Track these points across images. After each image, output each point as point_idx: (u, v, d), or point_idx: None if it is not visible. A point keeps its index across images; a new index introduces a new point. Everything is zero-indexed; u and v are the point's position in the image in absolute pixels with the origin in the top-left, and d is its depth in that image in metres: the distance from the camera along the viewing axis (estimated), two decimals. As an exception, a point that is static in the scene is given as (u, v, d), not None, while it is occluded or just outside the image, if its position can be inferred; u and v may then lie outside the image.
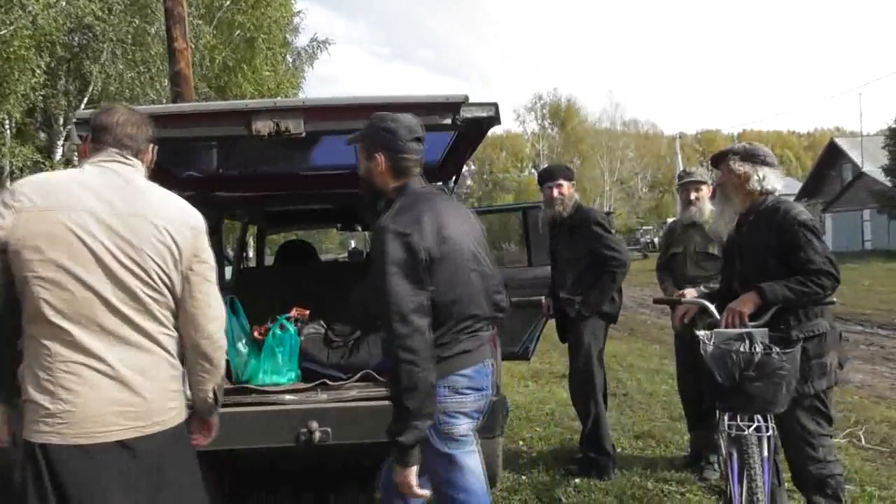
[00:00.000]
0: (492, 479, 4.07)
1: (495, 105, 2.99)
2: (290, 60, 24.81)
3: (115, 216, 2.00)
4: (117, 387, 1.97)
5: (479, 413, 2.41)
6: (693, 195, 4.26)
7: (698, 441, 4.14)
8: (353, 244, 37.79)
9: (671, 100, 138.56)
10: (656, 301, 4.01)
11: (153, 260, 2.01)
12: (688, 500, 3.94)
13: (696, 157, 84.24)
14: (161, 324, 2.05)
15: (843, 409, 5.52)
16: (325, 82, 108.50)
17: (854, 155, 38.46)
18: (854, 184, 37.50)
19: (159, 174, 3.80)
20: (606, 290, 4.30)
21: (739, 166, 3.12)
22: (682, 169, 4.51)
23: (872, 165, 34.94)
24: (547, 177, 4.49)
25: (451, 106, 2.90)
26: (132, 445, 1.99)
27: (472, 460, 2.38)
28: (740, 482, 2.85)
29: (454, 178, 4.09)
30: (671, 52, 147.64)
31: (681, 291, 4.06)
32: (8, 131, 15.84)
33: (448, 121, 2.91)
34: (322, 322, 4.24)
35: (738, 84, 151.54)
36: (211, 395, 2.24)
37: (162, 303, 2.04)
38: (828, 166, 41.59)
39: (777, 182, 3.14)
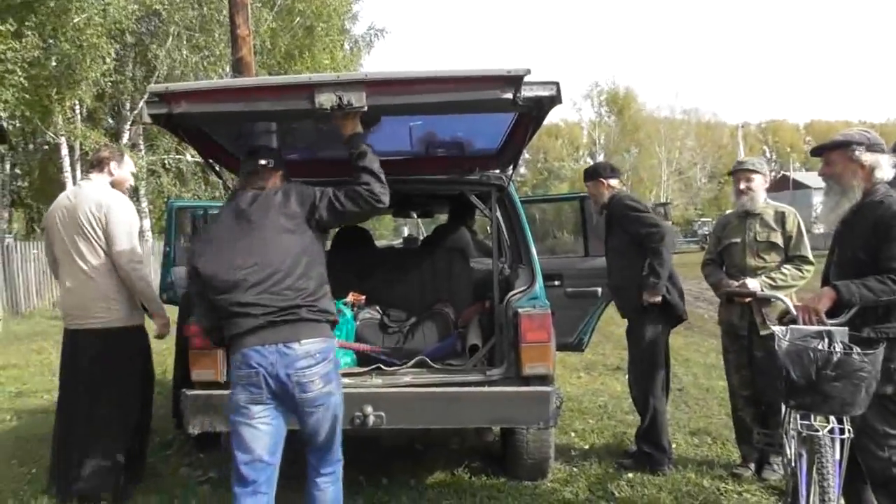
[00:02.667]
0: (543, 470, 4.09)
1: (557, 84, 2.88)
2: (348, 48, 25.03)
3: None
4: (75, 293, 3.90)
5: (255, 388, 2.70)
6: (744, 184, 4.10)
7: (760, 440, 4.01)
8: (406, 231, 38.03)
9: (735, 88, 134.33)
10: (729, 294, 3.89)
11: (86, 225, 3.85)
12: (745, 500, 3.84)
13: (760, 147, 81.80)
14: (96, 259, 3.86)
15: None
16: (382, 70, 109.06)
17: (930, 147, 36.60)
18: (929, 177, 35.72)
19: (225, 159, 3.90)
20: (657, 267, 4.21)
21: (868, 157, 2.96)
22: (737, 160, 4.34)
23: (950, 158, 33.19)
24: (584, 176, 4.68)
25: (513, 80, 2.78)
26: (78, 336, 3.89)
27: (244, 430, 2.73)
28: (808, 484, 2.76)
29: (513, 165, 4.05)
30: (736, 39, 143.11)
31: (742, 281, 3.96)
32: (78, 116, 16.46)
33: (509, 96, 2.81)
34: (378, 307, 4.29)
35: (806, 72, 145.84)
36: (140, 303, 3.99)
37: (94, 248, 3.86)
38: (901, 158, 39.68)
39: (890, 171, 2.98)
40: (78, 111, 16.57)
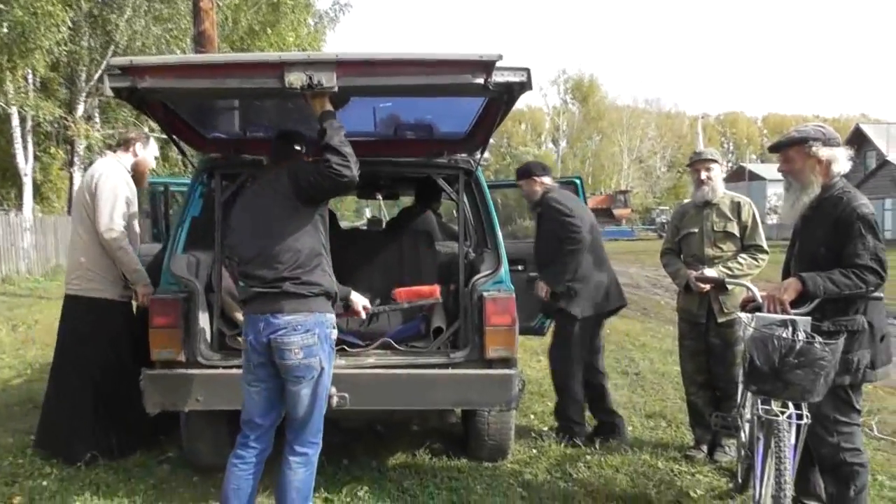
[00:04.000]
0: (504, 452, 4.16)
1: (527, 70, 2.90)
2: (312, 24, 24.57)
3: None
4: (68, 258, 4.36)
5: (251, 353, 3.01)
6: (704, 174, 4.19)
7: (717, 422, 4.13)
8: (368, 212, 37.73)
9: (695, 80, 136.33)
10: (699, 279, 3.98)
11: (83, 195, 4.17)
12: (698, 481, 3.96)
13: (718, 139, 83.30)
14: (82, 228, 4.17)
15: (857, 398, 5.50)
16: (346, 47, 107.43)
17: (879, 142, 37.75)
18: (878, 172, 36.87)
19: (189, 135, 3.83)
20: (560, 268, 4.43)
21: (824, 151, 3.04)
22: (695, 150, 4.45)
23: (898, 154, 34.34)
24: (517, 175, 4.86)
25: (484, 65, 2.80)
26: (65, 300, 4.27)
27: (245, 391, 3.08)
28: (764, 466, 2.86)
29: (481, 149, 4.06)
30: (697, 31, 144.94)
31: (700, 271, 4.06)
32: (31, 86, 15.87)
33: (480, 80, 2.83)
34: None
35: (763, 67, 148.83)
36: (122, 274, 4.15)
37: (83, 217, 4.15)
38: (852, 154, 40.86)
39: (846, 164, 3.08)
40: (31, 81, 15.96)
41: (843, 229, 2.92)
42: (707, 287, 4.03)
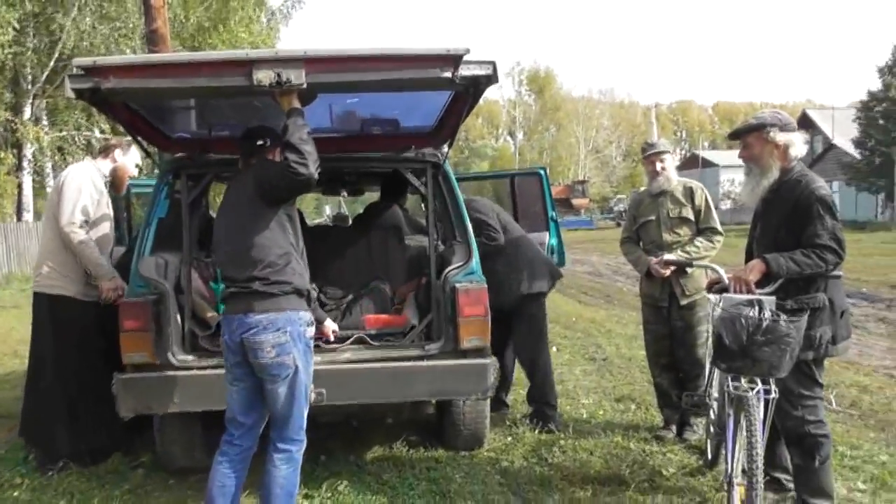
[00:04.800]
0: (480, 440, 4.22)
1: (493, 63, 2.94)
2: (265, 21, 24.22)
3: None
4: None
5: (228, 352, 3.05)
6: (659, 165, 4.32)
7: (686, 401, 4.26)
8: (328, 209, 37.41)
9: (647, 70, 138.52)
10: (667, 263, 4.08)
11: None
12: (669, 459, 4.08)
13: (671, 127, 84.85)
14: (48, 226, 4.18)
15: (815, 373, 5.71)
16: (299, 43, 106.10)
17: (825, 127, 38.98)
18: (824, 156, 38.09)
19: (152, 135, 3.78)
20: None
21: (781, 136, 3.15)
22: (647, 140, 4.57)
23: (843, 138, 35.47)
24: None
25: (452, 59, 2.83)
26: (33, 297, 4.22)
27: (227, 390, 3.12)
28: (735, 440, 2.97)
29: (448, 143, 4.09)
30: (649, 22, 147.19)
31: (660, 256, 4.17)
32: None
33: (447, 74, 2.85)
34: (314, 285, 4.26)
35: (713, 55, 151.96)
36: (86, 273, 4.11)
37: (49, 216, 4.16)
38: (797, 139, 42.04)
39: (803, 147, 3.20)
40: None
41: (802, 211, 3.04)
42: (668, 271, 4.16)
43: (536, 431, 4.54)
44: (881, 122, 31.26)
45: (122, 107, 3.39)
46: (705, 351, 4.14)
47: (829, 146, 37.69)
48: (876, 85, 31.97)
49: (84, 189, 4.12)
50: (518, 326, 4.71)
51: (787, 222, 3.10)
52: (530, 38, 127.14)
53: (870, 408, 4.97)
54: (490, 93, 73.47)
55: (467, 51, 2.84)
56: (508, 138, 74.69)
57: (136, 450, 4.31)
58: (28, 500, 3.70)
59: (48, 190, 19.64)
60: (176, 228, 3.81)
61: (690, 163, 54.53)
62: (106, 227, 4.29)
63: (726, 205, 40.78)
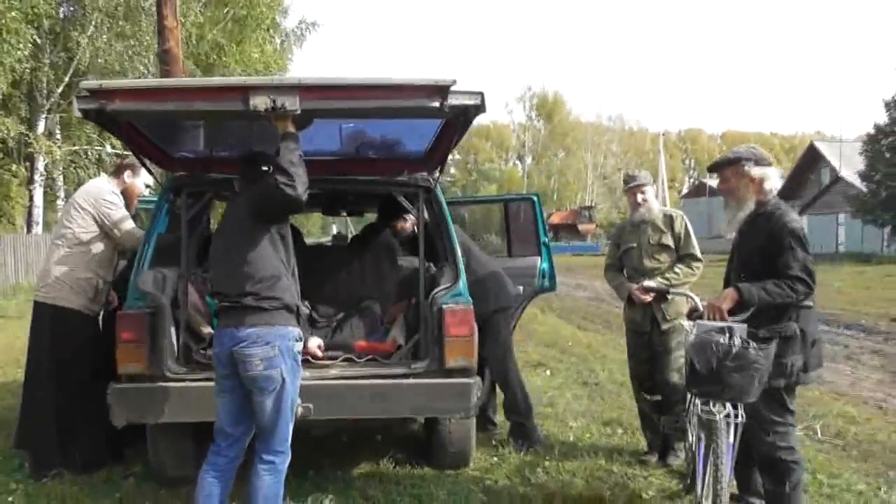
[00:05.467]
0: (465, 459, 4.29)
1: (481, 94, 3.10)
2: (279, 42, 24.67)
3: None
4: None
5: (218, 365, 3.16)
6: (640, 197, 4.44)
7: (667, 423, 4.34)
8: (335, 229, 37.58)
9: (657, 97, 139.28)
10: (646, 289, 4.19)
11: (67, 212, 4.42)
12: (650, 483, 4.14)
13: (679, 155, 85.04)
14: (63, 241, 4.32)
15: (803, 403, 5.74)
16: (313, 65, 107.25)
17: (833, 159, 39.06)
18: (831, 188, 38.13)
19: (155, 154, 3.93)
20: None
21: (756, 171, 3.28)
22: (627, 173, 4.70)
23: (850, 170, 35.52)
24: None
25: (440, 89, 2.99)
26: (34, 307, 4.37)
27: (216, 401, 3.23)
28: (705, 464, 3.05)
29: (439, 168, 4.23)
30: (660, 49, 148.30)
31: (640, 283, 4.29)
32: (-9, 102, 15.65)
33: (436, 104, 3.01)
34: (307, 303, 4.38)
35: (723, 84, 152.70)
36: (91, 289, 4.30)
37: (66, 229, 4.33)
38: (807, 170, 42.19)
39: (777, 181, 3.33)
40: (-10, 98, 15.75)
41: (775, 242, 3.15)
42: (648, 297, 4.27)
43: (522, 454, 4.60)
44: (887, 155, 31.31)
45: (128, 126, 3.54)
46: (681, 376, 4.22)
47: (836, 178, 37.71)
48: (883, 118, 32.07)
49: (113, 199, 4.38)
50: (487, 341, 4.79)
51: (761, 253, 3.21)
52: (541, 64, 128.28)
53: (854, 438, 5.01)
54: (501, 117, 74.12)
55: (454, 81, 2.99)
56: (517, 162, 75.15)
57: (127, 460, 4.41)
58: (22, 506, 3.80)
59: (59, 203, 19.94)
60: (175, 244, 3.94)
61: (698, 191, 54.65)
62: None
63: (732, 235, 40.71)
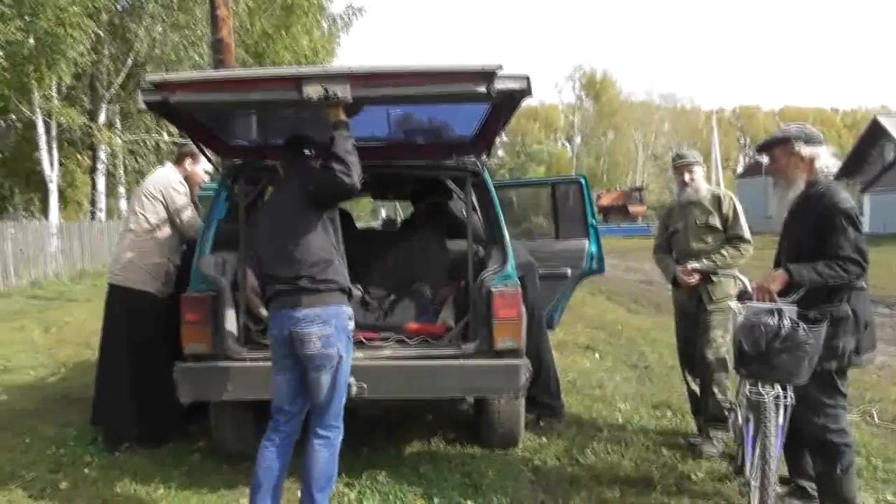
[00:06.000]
0: (514, 439, 4.37)
1: (527, 77, 3.13)
2: (326, 27, 24.88)
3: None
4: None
5: (276, 345, 3.30)
6: (687, 176, 4.36)
7: (708, 410, 4.33)
8: (384, 213, 37.90)
9: (710, 74, 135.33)
10: (693, 270, 4.16)
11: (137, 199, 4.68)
12: (699, 464, 4.15)
13: (734, 133, 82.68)
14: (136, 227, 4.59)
15: (860, 387, 5.65)
16: (359, 50, 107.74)
17: (897, 135, 37.42)
18: (895, 164, 36.58)
19: (213, 142, 4.09)
20: None
21: (807, 150, 3.24)
22: (676, 151, 4.60)
23: (916, 146, 34.01)
24: None
25: (486, 75, 3.03)
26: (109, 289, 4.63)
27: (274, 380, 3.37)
28: (754, 445, 3.05)
29: (487, 151, 4.28)
30: (713, 24, 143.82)
31: (684, 266, 4.26)
32: (55, 94, 16.28)
33: (483, 89, 3.05)
34: (359, 285, 4.51)
35: (781, 58, 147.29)
36: (162, 273, 4.58)
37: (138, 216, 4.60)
38: (869, 145, 40.49)
39: (829, 160, 3.27)
40: (55, 90, 16.38)
41: (825, 223, 3.11)
42: (693, 280, 4.23)
43: (597, 443, 4.59)
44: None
45: (187, 117, 3.70)
46: (719, 358, 4.23)
47: (901, 154, 36.18)
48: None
49: (179, 187, 4.65)
50: None
51: (812, 234, 3.17)
52: (590, 42, 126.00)
53: (912, 423, 4.91)
54: (549, 97, 73.16)
55: (500, 66, 3.03)
56: (566, 143, 74.28)
57: (193, 436, 4.64)
58: (96, 478, 4.05)
59: (120, 190, 20.69)
60: (233, 229, 4.11)
61: (754, 170, 53.02)
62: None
63: (782, 215, 39.48)
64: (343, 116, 3.18)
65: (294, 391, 3.33)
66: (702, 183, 4.40)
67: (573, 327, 8.83)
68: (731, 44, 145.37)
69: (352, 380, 3.57)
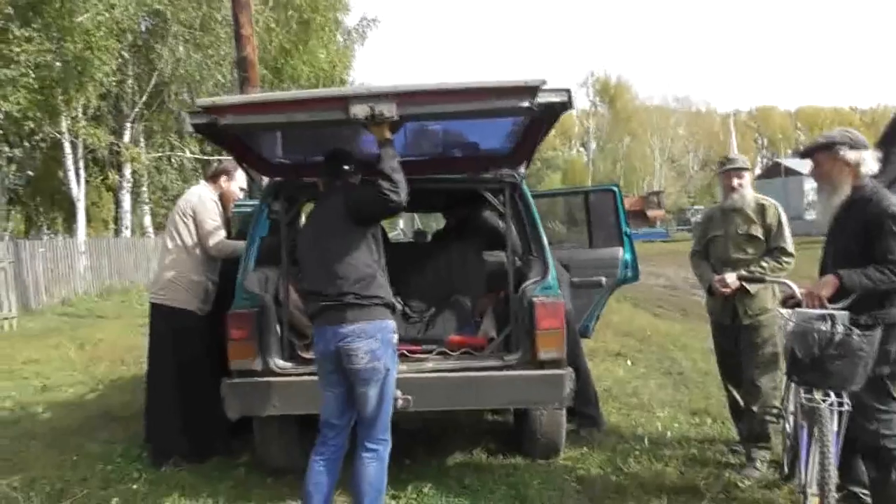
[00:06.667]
0: (556, 449, 4.38)
1: (568, 91, 3.16)
2: (341, 40, 25.10)
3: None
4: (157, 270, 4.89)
5: (323, 361, 3.35)
6: (736, 181, 4.21)
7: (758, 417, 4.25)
8: (401, 224, 38.10)
9: (725, 76, 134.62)
10: (740, 278, 4.02)
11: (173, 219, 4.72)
12: (746, 473, 4.12)
13: (751, 135, 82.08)
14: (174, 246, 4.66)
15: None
16: (375, 61, 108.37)
17: (919, 133, 36.89)
18: (918, 163, 36.08)
19: (255, 162, 4.16)
20: None
21: (852, 154, 3.22)
22: (726, 155, 4.49)
23: (939, 143, 33.54)
24: None
25: (530, 90, 3.07)
26: (152, 308, 4.70)
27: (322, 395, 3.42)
28: (809, 453, 3.04)
29: (525, 164, 4.31)
30: (726, 26, 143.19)
31: (720, 276, 4.12)
32: (80, 114, 16.56)
33: (526, 104, 3.08)
34: (399, 299, 4.55)
35: (796, 58, 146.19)
36: (201, 291, 4.66)
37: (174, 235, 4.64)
38: (890, 144, 39.95)
39: (874, 164, 3.25)
40: (80, 110, 16.66)
41: (874, 228, 3.10)
42: (729, 290, 4.08)
43: (638, 451, 4.56)
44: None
45: (233, 138, 3.77)
46: (769, 373, 4.12)
47: (924, 152, 35.67)
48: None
49: (212, 207, 4.70)
50: None
51: (860, 239, 3.15)
52: (603, 48, 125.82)
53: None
54: (563, 104, 73.52)
55: (544, 81, 3.07)
56: (581, 149, 74.14)
57: (236, 451, 4.70)
58: (145, 493, 4.11)
59: (145, 207, 20.95)
60: (275, 246, 4.17)
61: (772, 171, 52.61)
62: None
63: (811, 215, 39.14)
64: (388, 135, 3.23)
65: (342, 405, 3.36)
66: (748, 190, 4.23)
67: (602, 334, 8.79)
68: (746, 44, 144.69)
69: (398, 392, 3.60)
